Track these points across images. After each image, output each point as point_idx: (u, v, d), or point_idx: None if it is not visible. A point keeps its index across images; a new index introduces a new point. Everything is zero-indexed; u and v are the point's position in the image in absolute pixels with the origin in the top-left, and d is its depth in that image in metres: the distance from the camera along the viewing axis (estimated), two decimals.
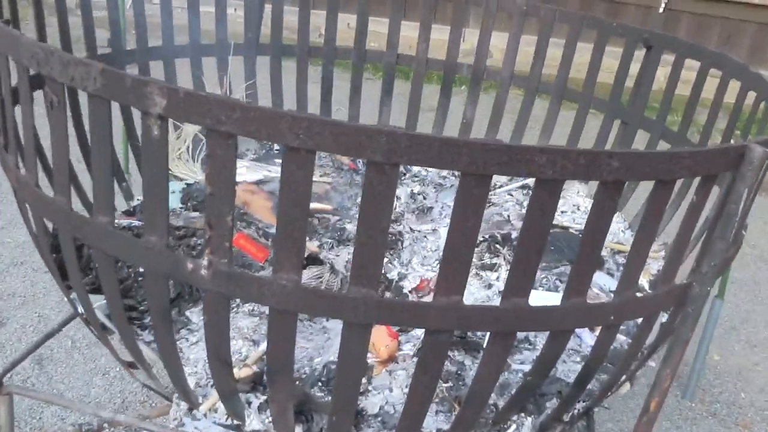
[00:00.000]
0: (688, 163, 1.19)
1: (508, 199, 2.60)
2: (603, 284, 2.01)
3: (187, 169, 2.57)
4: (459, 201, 1.14)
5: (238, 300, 1.81)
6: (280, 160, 2.67)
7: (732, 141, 2.19)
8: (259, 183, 2.45)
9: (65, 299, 3.67)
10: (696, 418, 3.58)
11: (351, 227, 2.24)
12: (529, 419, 1.52)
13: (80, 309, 1.64)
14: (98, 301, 1.66)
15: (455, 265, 1.19)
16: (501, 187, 2.79)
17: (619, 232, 2.45)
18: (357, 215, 2.38)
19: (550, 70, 2.89)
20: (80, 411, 2.01)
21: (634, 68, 2.65)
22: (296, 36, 2.94)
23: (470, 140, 1.08)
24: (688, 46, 2.37)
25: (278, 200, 1.16)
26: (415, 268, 2.09)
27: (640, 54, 2.62)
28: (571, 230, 2.34)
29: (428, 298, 2.11)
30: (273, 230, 2.15)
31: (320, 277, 1.97)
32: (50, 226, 1.58)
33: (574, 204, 2.69)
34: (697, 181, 1.29)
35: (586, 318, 1.29)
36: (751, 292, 4.38)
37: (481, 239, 2.17)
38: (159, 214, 1.23)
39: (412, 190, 2.45)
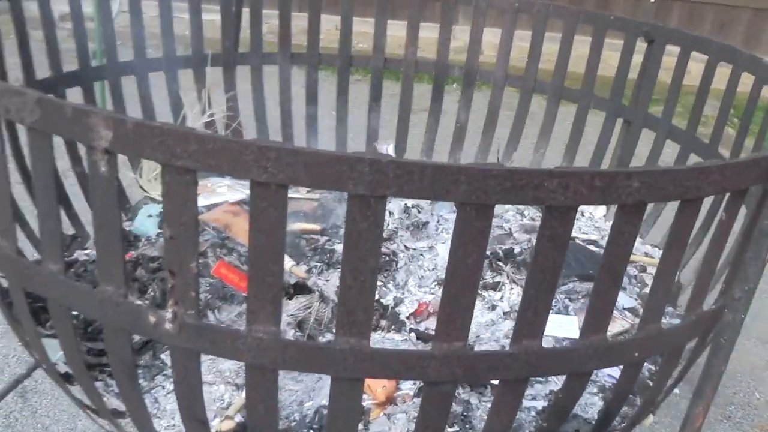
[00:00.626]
0: (716, 178, 1.04)
1: (509, 208, 2.44)
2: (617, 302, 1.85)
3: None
4: (458, 235, 0.99)
5: None
6: None
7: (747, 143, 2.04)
8: (241, 203, 2.29)
9: None
10: (710, 423, 3.43)
11: (340, 248, 2.07)
12: None
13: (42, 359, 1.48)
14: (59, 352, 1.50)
15: (456, 307, 1.04)
16: None
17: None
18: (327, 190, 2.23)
19: (547, 65, 2.73)
20: None
21: (636, 60, 2.50)
22: (278, 39, 2.78)
23: (467, 166, 0.92)
24: (693, 39, 2.21)
25: (249, 243, 1.00)
26: (412, 291, 1.94)
27: (641, 47, 2.47)
28: (577, 240, 2.19)
29: (428, 323, 1.96)
30: None
31: (309, 308, 1.81)
32: None
33: (579, 210, 2.53)
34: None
35: (608, 357, 1.14)
36: (760, 288, 4.23)
37: None
38: (113, 261, 1.08)
39: (405, 204, 2.30)
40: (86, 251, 2.04)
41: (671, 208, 1.20)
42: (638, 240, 2.32)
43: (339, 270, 2.03)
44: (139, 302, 1.09)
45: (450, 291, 1.03)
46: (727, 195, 1.13)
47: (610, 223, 2.50)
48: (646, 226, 2.41)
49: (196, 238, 1.02)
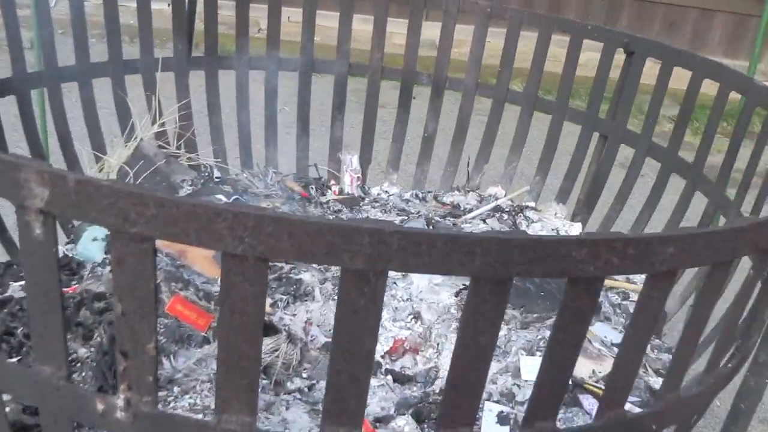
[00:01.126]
0: (751, 238, 0.92)
1: (482, 228, 2.32)
2: (604, 336, 1.74)
3: None
4: (469, 311, 0.84)
5: (175, 393, 1.48)
6: (220, 196, 2.33)
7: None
8: None
9: None
10: None
11: (308, 277, 1.92)
12: None
13: None
14: None
15: (464, 390, 0.89)
16: (469, 211, 2.51)
17: None
18: (315, 263, 2.07)
19: (524, 64, 2.60)
20: None
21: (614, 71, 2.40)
22: (235, 41, 2.57)
23: (485, 237, 0.78)
24: (677, 54, 2.12)
25: (218, 320, 0.83)
26: (386, 326, 1.79)
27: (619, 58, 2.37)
28: None
29: (404, 361, 1.82)
30: (217, 288, 1.81)
31: (276, 350, 1.64)
32: None
33: (553, 228, 2.43)
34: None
35: None
36: None
37: (462, 287, 1.87)
38: (52, 337, 0.89)
39: None
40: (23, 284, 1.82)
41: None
42: None
43: (306, 301, 1.88)
44: (83, 385, 0.91)
45: (457, 372, 0.88)
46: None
47: (578, 225, 2.42)
48: None
49: (153, 315, 0.85)
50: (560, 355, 0.90)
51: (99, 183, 0.77)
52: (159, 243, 1.90)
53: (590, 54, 2.43)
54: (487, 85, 2.72)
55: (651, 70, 2.23)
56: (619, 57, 2.35)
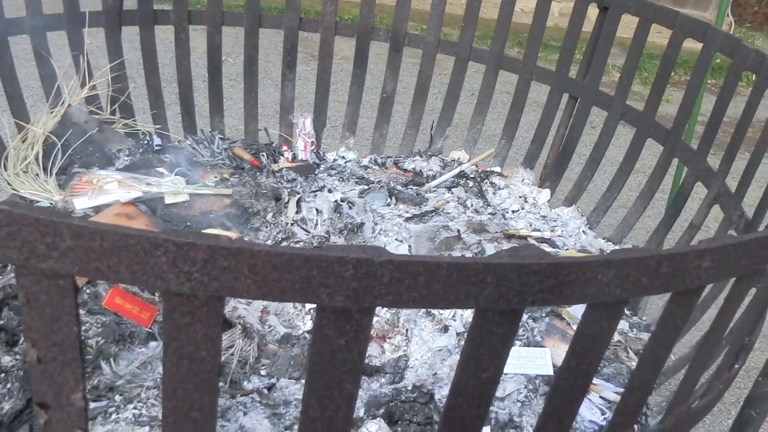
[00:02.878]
0: None
1: (448, 197, 2.17)
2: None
3: (37, 187, 1.96)
4: (474, 344, 0.70)
5: (117, 402, 1.30)
6: (162, 169, 2.11)
7: None
8: (137, 202, 1.88)
9: None
10: None
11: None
12: None
13: None
14: None
15: (465, 425, 0.75)
16: (433, 178, 2.35)
17: (581, 233, 2.09)
18: (269, 242, 1.89)
19: (491, 16, 2.43)
20: None
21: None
22: None
23: (496, 263, 0.63)
24: (655, 10, 1.98)
25: (163, 366, 0.67)
26: None
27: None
28: (530, 240, 1.96)
29: (371, 350, 1.68)
30: None
31: (231, 346, 1.48)
32: None
33: (521, 195, 2.31)
34: None
35: None
36: None
37: None
38: None
39: (336, 201, 1.97)
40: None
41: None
42: (591, 234, 2.12)
43: None
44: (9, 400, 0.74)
45: (455, 409, 0.74)
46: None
47: (556, 210, 2.32)
48: (596, 215, 2.22)
49: (78, 362, 0.67)
50: (571, 384, 0.77)
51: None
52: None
53: (565, 3, 2.27)
54: (450, 41, 2.54)
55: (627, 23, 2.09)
56: (593, 11, 2.20)
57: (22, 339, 1.37)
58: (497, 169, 2.49)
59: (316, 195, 2.07)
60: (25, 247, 0.59)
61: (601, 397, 1.44)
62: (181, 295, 0.61)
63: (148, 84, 2.38)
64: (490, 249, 1.85)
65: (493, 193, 2.32)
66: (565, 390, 0.78)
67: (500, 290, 0.64)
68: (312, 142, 2.53)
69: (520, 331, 1.55)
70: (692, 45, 1.93)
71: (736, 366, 1.05)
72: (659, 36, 1.89)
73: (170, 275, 0.59)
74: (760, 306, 0.95)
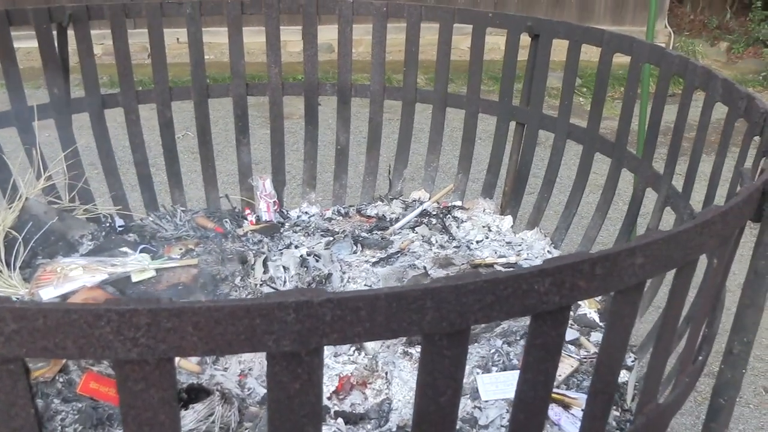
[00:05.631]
0: (718, 229, 0.84)
1: (413, 237, 2.20)
2: None
3: (1, 282, 1.95)
4: (426, 372, 0.71)
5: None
6: (126, 248, 2.11)
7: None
8: (102, 285, 1.88)
9: None
10: None
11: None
12: None
13: None
14: None
15: None
16: (396, 221, 2.38)
17: (546, 254, 2.13)
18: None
19: (429, 58, 2.51)
20: None
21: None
22: (117, 76, 2.36)
23: (433, 287, 0.65)
24: (583, 32, 2.07)
25: (123, 429, 0.67)
26: (328, 363, 1.64)
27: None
28: (495, 267, 1.99)
29: (353, 398, 1.68)
30: None
31: (211, 415, 1.47)
32: None
33: (484, 225, 2.35)
34: None
35: None
36: None
37: None
38: None
39: (301, 255, 1.99)
40: None
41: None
42: (556, 252, 2.16)
43: (238, 355, 1.70)
44: None
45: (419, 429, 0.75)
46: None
47: (520, 234, 2.36)
48: (559, 234, 2.26)
49: None
50: (531, 396, 0.78)
51: None
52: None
53: (499, 38, 2.35)
54: (395, 87, 2.61)
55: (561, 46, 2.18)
56: (526, 39, 2.29)
57: None
58: (458, 203, 2.53)
59: (282, 253, 2.08)
60: None
61: (582, 410, 1.45)
62: (131, 362, 0.62)
63: (104, 167, 2.40)
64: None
65: (457, 227, 2.35)
66: (527, 404, 0.79)
67: (441, 313, 0.66)
68: (274, 202, 2.56)
69: (495, 357, 1.56)
70: (624, 59, 2.02)
71: (701, 358, 1.08)
72: (595, 54, 1.98)
73: (117, 344, 0.61)
74: (710, 293, 0.98)
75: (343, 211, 2.55)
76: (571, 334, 1.69)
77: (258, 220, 2.48)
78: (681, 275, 0.86)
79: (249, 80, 2.55)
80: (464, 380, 1.56)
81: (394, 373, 1.65)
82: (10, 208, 2.17)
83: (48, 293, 1.86)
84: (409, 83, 2.52)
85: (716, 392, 1.03)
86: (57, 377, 1.52)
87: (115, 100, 2.40)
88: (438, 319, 0.66)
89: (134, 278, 1.93)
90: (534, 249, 2.19)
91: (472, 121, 2.48)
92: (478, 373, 1.52)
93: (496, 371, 1.51)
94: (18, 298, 1.92)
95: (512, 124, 2.42)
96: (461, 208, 2.50)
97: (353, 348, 1.72)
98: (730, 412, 1.03)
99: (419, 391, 0.73)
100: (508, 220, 2.38)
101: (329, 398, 1.59)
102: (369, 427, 1.54)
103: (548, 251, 2.15)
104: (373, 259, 2.05)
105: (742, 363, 1.00)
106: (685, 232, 0.79)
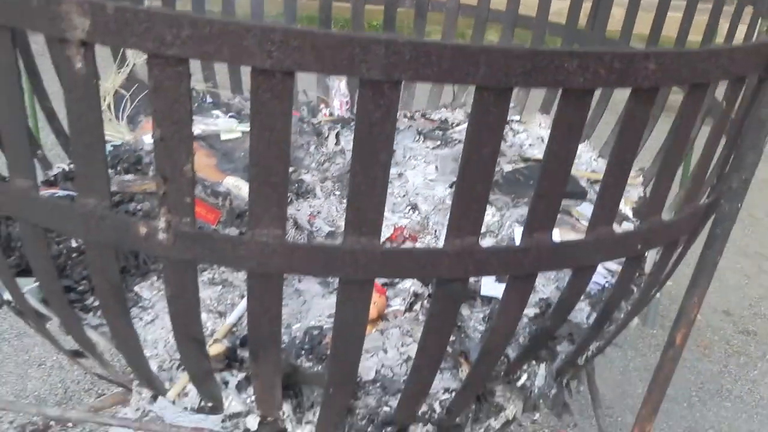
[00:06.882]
0: (724, 63, 1.03)
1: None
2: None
3: (112, 129, 2.26)
4: (474, 123, 0.94)
5: None
6: (217, 112, 2.40)
7: None
8: (196, 139, 2.17)
9: None
10: (659, 345, 3.59)
11: (309, 178, 2.01)
12: (542, 366, 1.37)
13: (6, 296, 1.36)
14: (28, 285, 1.39)
15: (470, 200, 0.99)
16: (458, 125, 2.60)
17: (592, 161, 2.31)
18: (313, 165, 2.16)
19: None
20: (22, 412, 1.75)
21: None
22: None
23: (488, 47, 0.87)
24: None
25: (250, 138, 0.93)
26: (387, 216, 1.89)
27: None
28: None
29: (407, 246, 1.93)
30: (222, 188, 1.90)
31: (285, 235, 1.74)
32: None
33: (538, 137, 2.54)
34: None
35: (613, 250, 1.13)
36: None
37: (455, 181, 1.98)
38: (96, 170, 0.98)
39: None
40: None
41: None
42: (601, 161, 2.34)
43: (309, 199, 1.97)
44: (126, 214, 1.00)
45: (464, 183, 0.98)
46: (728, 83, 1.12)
47: None
48: (607, 148, 2.44)
49: (190, 138, 0.94)
50: (554, 168, 1.00)
51: (136, 9, 0.85)
52: None
53: None
54: (469, 5, 2.79)
55: None
56: None
57: None
58: (516, 117, 2.72)
59: (352, 131, 2.33)
60: (157, 38, 0.85)
61: (605, 267, 1.67)
62: (264, 71, 0.87)
63: None
64: (507, 168, 2.09)
65: (513, 136, 2.55)
66: (549, 174, 1.01)
67: (492, 69, 0.88)
68: (347, 101, 2.80)
69: None
70: None
71: (710, 199, 1.27)
72: None
73: (257, 53, 0.85)
74: (719, 130, 1.17)
75: (409, 115, 2.77)
76: None
77: (331, 114, 2.73)
78: (689, 98, 1.06)
79: None
80: (504, 233, 1.79)
81: (441, 232, 1.89)
82: (119, 71, 2.47)
83: (149, 139, 2.16)
84: (482, 2, 2.70)
85: (714, 223, 1.23)
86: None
87: None
88: (489, 74, 0.88)
89: (223, 136, 2.21)
90: (582, 158, 2.37)
91: (538, 42, 2.65)
92: (516, 226, 1.74)
93: None
94: (123, 142, 2.23)
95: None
96: (519, 121, 2.69)
97: (409, 208, 1.97)
98: (724, 242, 1.22)
99: (468, 139, 0.95)
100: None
101: (384, 243, 1.84)
102: None
103: (594, 159, 2.33)
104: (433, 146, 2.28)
105: (739, 198, 1.19)
106: (694, 53, 0.98)
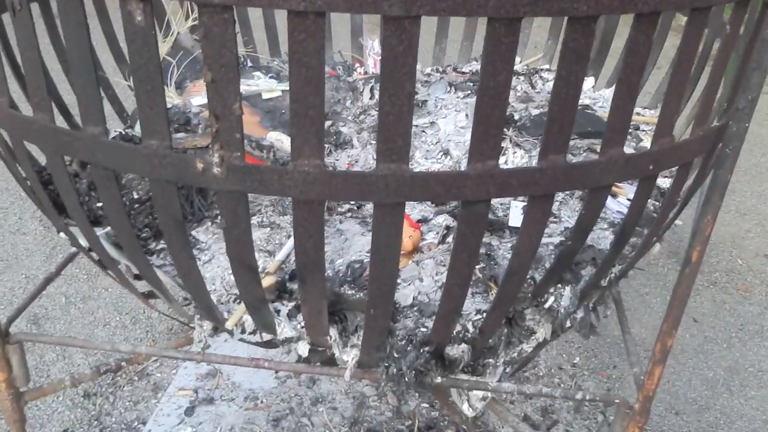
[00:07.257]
0: None
1: None
2: None
3: None
4: (487, 54, 1.04)
5: None
6: (258, 74, 2.53)
7: None
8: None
9: (50, 257, 3.53)
10: (698, 288, 3.63)
11: (346, 130, 2.13)
12: (568, 288, 1.48)
13: (83, 242, 1.53)
14: (99, 232, 1.55)
15: (488, 125, 1.10)
16: None
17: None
18: (350, 118, 2.28)
19: None
20: (97, 349, 1.93)
21: None
22: None
23: None
24: None
25: (289, 76, 1.05)
26: (420, 162, 2.00)
27: None
28: None
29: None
30: (266, 142, 2.04)
31: None
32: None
33: None
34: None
35: (626, 170, 1.22)
36: (737, 169, 4.40)
37: None
38: (156, 113, 1.12)
39: None
40: None
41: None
42: None
43: (347, 149, 2.10)
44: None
45: (481, 111, 1.09)
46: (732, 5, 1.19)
47: (600, 92, 2.59)
48: None
49: (237, 80, 1.06)
50: (564, 93, 1.10)
51: None
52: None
53: None
54: None
55: None
56: None
57: None
58: (546, 66, 2.78)
59: None
60: None
61: (628, 199, 1.75)
62: (298, 13, 0.98)
63: (238, 16, 2.80)
64: (535, 112, 2.17)
65: (542, 84, 2.62)
66: (560, 98, 1.11)
67: (501, 1, 0.98)
68: (380, 59, 2.90)
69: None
70: None
71: (723, 121, 1.34)
72: None
73: None
74: (724, 52, 1.24)
75: (441, 70, 2.86)
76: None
77: (365, 73, 2.83)
78: (692, 22, 1.13)
79: None
80: None
81: None
82: (164, 40, 2.62)
83: (198, 101, 2.31)
84: None
85: (724, 144, 1.30)
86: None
87: None
88: (498, 5, 0.98)
89: (264, 96, 2.34)
90: (609, 102, 2.43)
91: None
92: None
93: None
94: (172, 105, 2.38)
95: None
96: (548, 70, 2.75)
97: (441, 153, 2.07)
98: (734, 161, 1.30)
99: (483, 70, 1.05)
100: (590, 81, 2.62)
101: None
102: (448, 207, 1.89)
103: None
104: (464, 95, 2.37)
105: (746, 117, 1.26)
106: None
